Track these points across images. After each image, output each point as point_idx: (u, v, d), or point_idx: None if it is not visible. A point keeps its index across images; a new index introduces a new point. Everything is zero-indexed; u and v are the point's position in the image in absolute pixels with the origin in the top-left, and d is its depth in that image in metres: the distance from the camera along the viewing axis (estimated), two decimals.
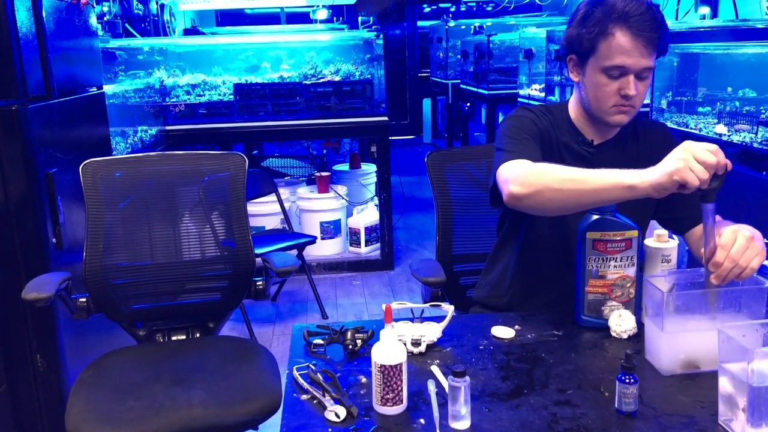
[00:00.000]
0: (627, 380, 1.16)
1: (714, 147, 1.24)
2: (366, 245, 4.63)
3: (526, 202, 1.41)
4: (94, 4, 2.78)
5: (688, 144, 1.23)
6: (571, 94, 1.70)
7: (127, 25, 4.88)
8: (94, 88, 2.75)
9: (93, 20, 2.75)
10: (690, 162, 1.21)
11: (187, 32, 6.88)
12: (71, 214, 2.31)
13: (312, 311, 3.94)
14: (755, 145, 2.75)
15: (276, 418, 1.71)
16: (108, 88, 2.95)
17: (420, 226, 5.59)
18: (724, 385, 1.12)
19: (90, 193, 2.00)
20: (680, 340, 1.30)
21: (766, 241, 1.44)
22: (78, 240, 2.29)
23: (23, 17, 2.12)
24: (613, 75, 1.52)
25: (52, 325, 2.23)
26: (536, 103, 4.65)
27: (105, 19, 4.30)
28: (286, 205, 4.18)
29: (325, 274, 4.53)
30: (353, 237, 4.66)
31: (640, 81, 1.53)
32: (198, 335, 2.18)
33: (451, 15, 9.81)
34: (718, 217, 1.52)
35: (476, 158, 2.11)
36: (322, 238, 4.53)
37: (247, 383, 1.83)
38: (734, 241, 1.32)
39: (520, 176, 1.41)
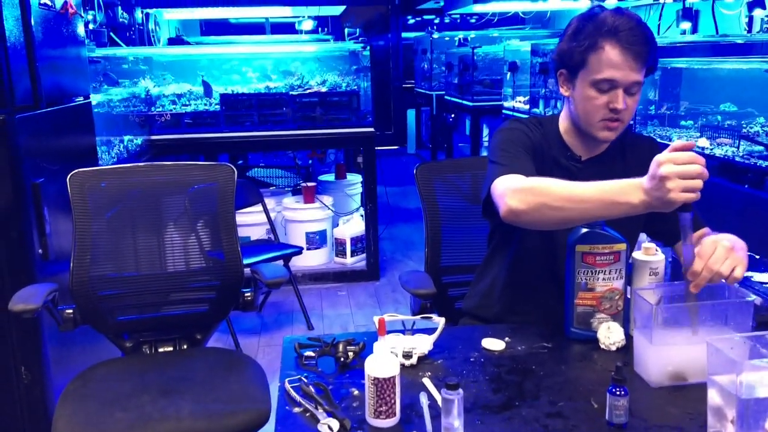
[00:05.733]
0: (618, 392, 1.18)
1: (690, 155, 1.24)
2: (352, 256, 4.63)
3: (524, 218, 1.41)
4: (82, 14, 2.77)
5: (668, 168, 1.22)
6: (556, 106, 1.72)
7: (112, 34, 4.86)
8: (81, 98, 2.73)
9: (81, 29, 2.74)
10: (681, 184, 1.22)
11: (172, 41, 6.87)
12: (57, 225, 2.30)
13: (297, 322, 3.93)
14: (737, 158, 2.80)
15: (264, 431, 1.72)
16: (94, 98, 2.94)
17: (405, 237, 5.60)
18: (713, 397, 1.14)
19: (77, 203, 1.99)
20: (669, 353, 1.32)
21: (750, 254, 1.46)
22: (64, 251, 2.27)
23: (12, 26, 2.11)
24: (603, 89, 1.54)
25: (37, 336, 2.21)
26: (521, 114, 4.70)
27: (90, 27, 4.28)
28: (272, 215, 4.17)
29: (310, 285, 4.52)
30: (339, 247, 4.66)
31: (629, 96, 1.54)
32: (185, 347, 2.17)
33: (435, 27, 9.88)
34: (706, 230, 1.55)
35: (464, 170, 2.13)
36: (308, 249, 4.52)
37: (236, 395, 1.83)
38: (713, 251, 1.33)
39: (518, 192, 1.41)
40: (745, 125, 3.05)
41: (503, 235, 1.78)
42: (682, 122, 3.56)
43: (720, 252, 1.33)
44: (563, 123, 1.69)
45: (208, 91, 4.51)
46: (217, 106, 4.39)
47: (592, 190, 1.33)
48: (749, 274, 2.39)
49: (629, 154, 1.69)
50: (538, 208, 1.38)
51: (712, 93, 3.50)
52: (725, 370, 1.10)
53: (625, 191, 1.29)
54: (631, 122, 3.57)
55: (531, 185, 1.42)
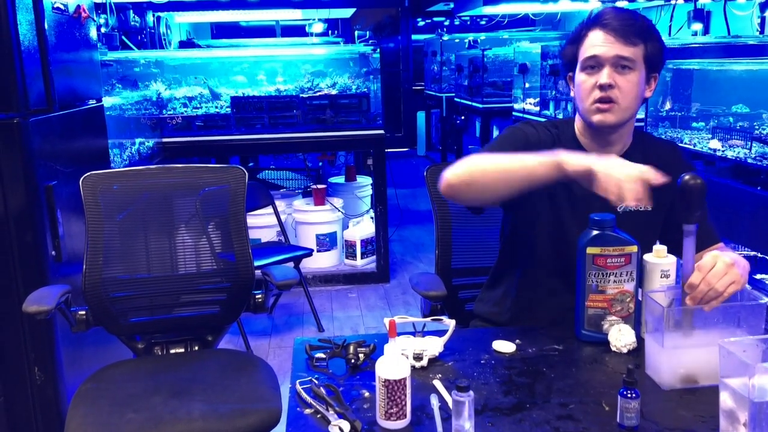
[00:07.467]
0: (629, 395, 1.17)
1: (633, 179, 1.35)
2: (362, 258, 4.64)
3: (457, 190, 1.51)
4: (95, 18, 2.79)
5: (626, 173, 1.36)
6: (566, 108, 1.74)
7: (123, 37, 4.89)
8: (94, 101, 2.75)
9: (93, 33, 2.76)
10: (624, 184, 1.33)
11: (183, 45, 6.91)
12: (70, 227, 2.31)
13: (308, 324, 3.93)
14: (749, 160, 2.78)
15: None
16: (106, 101, 2.96)
17: (415, 239, 5.60)
18: (725, 400, 1.13)
19: (90, 205, 2.00)
20: (680, 355, 1.31)
21: (763, 256, 1.46)
22: (76, 252, 2.29)
23: (25, 30, 2.13)
24: (590, 70, 1.58)
25: (50, 337, 2.23)
26: (531, 117, 4.69)
27: (102, 31, 4.31)
28: (282, 217, 4.19)
29: (320, 287, 4.53)
30: (349, 249, 4.66)
31: (620, 75, 1.56)
32: (196, 348, 2.18)
33: (445, 29, 9.88)
34: (721, 245, 1.56)
35: None
36: (318, 251, 4.53)
37: (247, 396, 1.83)
38: (713, 266, 1.34)
39: (454, 167, 1.51)
40: (757, 127, 3.03)
41: (512, 232, 1.78)
42: (694, 124, 3.54)
43: (720, 267, 1.34)
44: (577, 123, 1.70)
45: (213, 93, 4.54)
46: (228, 109, 4.42)
47: (524, 155, 1.45)
48: (762, 276, 2.38)
49: (650, 157, 1.67)
50: (467, 179, 1.49)
51: (724, 94, 3.48)
52: (737, 372, 1.10)
53: (542, 160, 1.41)
54: (642, 123, 3.56)
55: (466, 159, 1.51)
